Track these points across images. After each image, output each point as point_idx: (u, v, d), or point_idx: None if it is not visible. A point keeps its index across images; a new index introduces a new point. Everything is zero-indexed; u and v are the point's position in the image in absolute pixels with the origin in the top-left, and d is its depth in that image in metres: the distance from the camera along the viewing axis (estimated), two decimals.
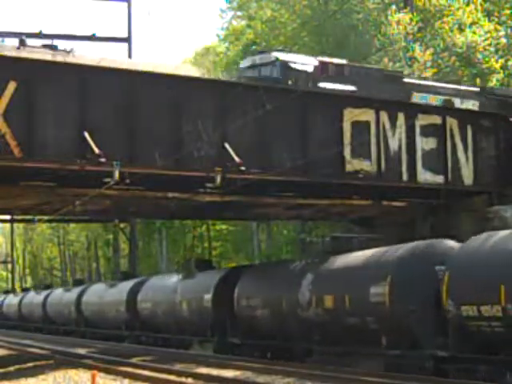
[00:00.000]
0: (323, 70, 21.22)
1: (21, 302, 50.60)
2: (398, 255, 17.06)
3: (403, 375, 15.64)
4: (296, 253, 37.96)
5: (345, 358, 18.20)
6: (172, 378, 17.59)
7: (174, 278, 28.43)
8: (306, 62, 21.19)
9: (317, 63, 21.32)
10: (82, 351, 27.29)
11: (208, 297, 24.30)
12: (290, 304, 20.10)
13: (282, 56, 21.19)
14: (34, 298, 48.05)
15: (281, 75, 20.51)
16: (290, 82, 20.33)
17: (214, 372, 18.40)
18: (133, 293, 30.84)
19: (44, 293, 46.46)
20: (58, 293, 44.08)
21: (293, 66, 20.72)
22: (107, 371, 19.28)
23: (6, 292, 64.79)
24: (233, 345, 23.24)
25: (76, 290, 39.80)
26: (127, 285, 32.36)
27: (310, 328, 19.43)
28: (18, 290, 68.08)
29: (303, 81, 20.58)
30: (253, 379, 16.89)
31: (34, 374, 19.87)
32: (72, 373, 19.69)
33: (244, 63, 22.05)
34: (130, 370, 19.45)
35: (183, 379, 17.26)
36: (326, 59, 22.16)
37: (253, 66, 21.16)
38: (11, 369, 21.93)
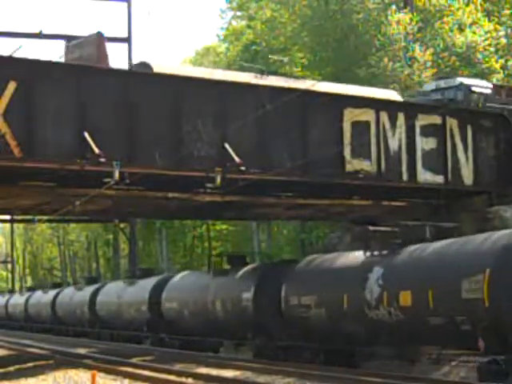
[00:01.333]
0: (497, 93, 24.14)
1: (27, 301, 48.14)
2: (501, 244, 14.68)
3: (403, 375, 15.62)
4: (296, 253, 37.96)
5: (419, 363, 16.71)
6: (172, 377, 17.59)
7: (204, 275, 26.22)
8: (484, 86, 24.20)
9: (491, 87, 24.50)
10: (82, 351, 27.28)
11: (248, 295, 22.07)
12: (354, 302, 17.79)
13: (466, 81, 24.35)
14: (42, 297, 45.52)
15: (464, 97, 23.26)
16: (471, 104, 23.06)
17: (214, 372, 18.41)
18: (156, 291, 28.49)
19: (53, 292, 44.01)
20: (68, 292, 41.58)
21: (474, 89, 23.68)
22: (107, 371, 19.28)
23: (11, 291, 62.70)
24: (278, 348, 21.03)
25: (89, 289, 37.28)
26: (149, 282, 30.02)
27: (379, 329, 17.20)
28: (18, 289, 67.29)
29: (481, 102, 23.40)
30: (253, 379, 16.90)
31: (34, 374, 19.87)
32: (72, 373, 19.69)
33: (428, 86, 24.97)
34: (130, 369, 19.46)
35: (183, 379, 17.26)
36: (499, 84, 25.58)
37: (437, 89, 23.83)
38: (11, 369, 21.92)
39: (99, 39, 18.90)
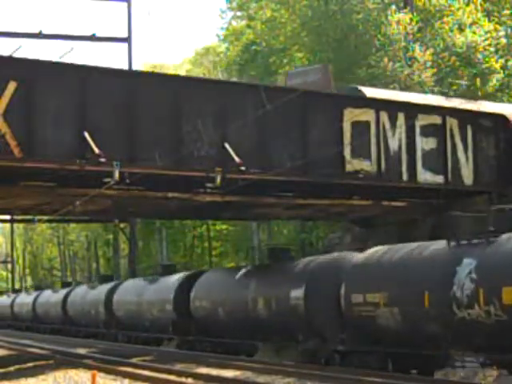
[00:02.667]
0: None
1: (35, 301, 45.71)
2: None
3: (403, 375, 15.61)
4: (296, 253, 37.93)
5: None
6: (172, 377, 17.59)
7: (242, 271, 23.72)
8: None
9: None
10: (82, 351, 27.28)
11: (298, 293, 19.73)
12: (438, 300, 15.42)
13: None
14: (51, 296, 43.20)
15: None
16: None
17: (214, 372, 18.40)
18: (183, 289, 26.26)
19: (63, 291, 41.65)
20: (80, 291, 38.95)
21: None
22: (107, 371, 19.28)
23: (16, 291, 61.01)
24: (335, 352, 18.52)
25: (104, 288, 34.85)
26: (174, 280, 27.69)
27: (472, 331, 14.90)
28: (25, 288, 66.42)
29: None
30: (253, 379, 16.89)
31: (33, 374, 19.88)
32: (72, 373, 19.69)
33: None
34: (130, 369, 19.45)
35: (183, 379, 17.26)
36: None
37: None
38: (11, 369, 21.92)
39: (325, 68, 21.52)
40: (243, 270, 23.61)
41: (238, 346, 22.97)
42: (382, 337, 17.06)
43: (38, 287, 54.70)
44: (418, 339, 16.16)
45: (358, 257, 18.66)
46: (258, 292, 21.64)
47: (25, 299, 49.18)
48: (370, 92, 22.11)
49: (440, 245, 16.20)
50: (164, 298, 27.37)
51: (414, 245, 17.30)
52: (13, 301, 51.58)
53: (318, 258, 20.90)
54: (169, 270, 30.67)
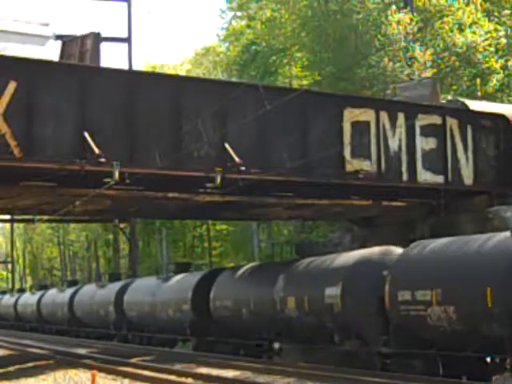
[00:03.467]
0: None
1: (40, 301, 44.31)
2: None
3: (403, 375, 15.61)
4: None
5: None
6: (172, 377, 17.60)
7: (270, 267, 22.48)
8: None
9: None
10: (82, 351, 27.28)
11: (334, 291, 18.22)
12: (504, 298, 13.87)
13: None
14: (57, 296, 41.57)
15: None
16: None
17: (214, 372, 18.41)
18: (202, 288, 24.80)
19: (69, 290, 40.09)
20: (88, 290, 37.32)
21: None
22: (107, 371, 19.29)
23: (21, 290, 59.08)
24: (376, 355, 17.19)
25: (114, 287, 33.35)
26: (191, 278, 26.26)
27: None
28: (29, 288, 65.32)
29: None
30: (253, 379, 16.90)
31: (34, 374, 19.89)
32: (72, 373, 19.71)
33: None
34: (130, 370, 19.48)
35: (183, 379, 17.27)
36: None
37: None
38: (11, 369, 21.95)
39: (433, 82, 22.45)
40: (270, 266, 22.30)
41: (263, 348, 21.56)
42: (434, 339, 15.61)
43: (43, 286, 53.38)
44: (476, 342, 14.71)
45: (404, 250, 17.31)
46: (288, 290, 20.13)
47: (29, 299, 47.98)
48: (473, 104, 22.28)
49: (503, 236, 14.89)
50: (181, 297, 25.92)
51: (469, 237, 16.16)
52: (16, 301, 50.53)
53: (354, 252, 19.24)
54: (184, 267, 29.30)
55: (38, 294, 46.61)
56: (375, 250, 18.55)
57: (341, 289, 17.97)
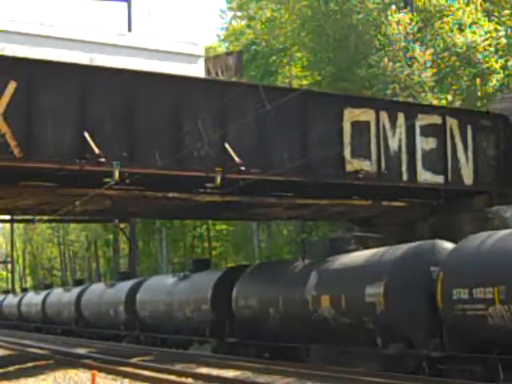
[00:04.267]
0: None
1: (44, 301, 42.96)
2: None
3: (403, 375, 15.61)
4: (296, 253, 37.95)
5: None
6: (172, 378, 17.59)
7: (299, 264, 20.58)
8: None
9: None
10: (82, 351, 27.27)
11: (376, 289, 16.59)
12: None
13: None
14: (63, 296, 40.21)
15: None
16: None
17: (214, 372, 18.40)
18: (222, 287, 23.34)
19: (76, 290, 38.58)
20: (96, 289, 35.86)
21: None
22: (107, 371, 19.28)
23: (25, 290, 57.58)
24: (426, 359, 15.64)
25: (124, 286, 31.81)
26: (210, 277, 24.62)
27: None
28: (34, 288, 64.38)
29: None
30: (253, 379, 16.89)
31: (33, 374, 19.88)
32: (72, 373, 19.70)
33: None
34: (130, 370, 19.46)
35: (183, 379, 17.26)
36: None
37: None
38: (11, 369, 21.93)
39: None
40: (299, 263, 20.56)
41: (293, 351, 20.04)
42: (495, 341, 14.14)
43: (47, 286, 52.05)
44: None
45: (458, 244, 15.86)
46: (321, 288, 18.56)
47: (33, 299, 46.70)
48: None
49: None
50: (200, 296, 24.34)
51: None
52: (20, 300, 49.30)
53: (397, 246, 17.55)
54: (202, 265, 27.20)
55: (43, 293, 45.30)
56: (422, 244, 17.09)
57: (384, 286, 16.38)
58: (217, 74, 20.84)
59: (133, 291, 30.33)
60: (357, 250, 19.28)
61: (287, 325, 20.07)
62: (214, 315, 23.62)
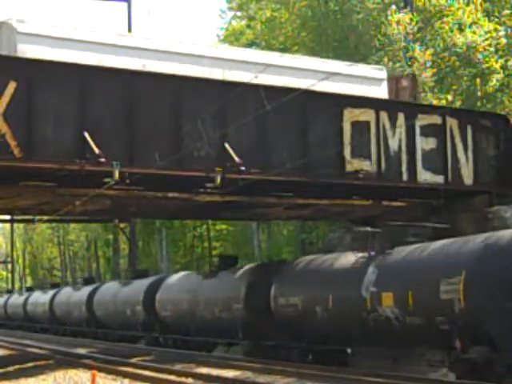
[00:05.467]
0: None
1: (52, 300, 41.51)
2: None
3: (403, 375, 15.63)
4: (296, 253, 37.97)
5: None
6: (172, 377, 17.60)
7: (352, 258, 18.75)
8: None
9: None
10: (81, 351, 27.27)
11: (453, 284, 14.72)
12: None
13: None
14: (72, 295, 38.66)
15: None
16: None
17: (214, 372, 18.41)
18: (258, 284, 21.84)
19: (86, 289, 37.01)
20: (109, 288, 34.29)
21: None
22: (107, 371, 19.29)
23: (30, 289, 55.39)
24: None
25: (141, 284, 30.24)
26: (241, 274, 23.24)
27: None
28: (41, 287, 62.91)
29: None
30: (253, 379, 16.91)
31: (34, 374, 19.90)
32: (72, 373, 19.71)
33: None
34: (130, 370, 19.47)
35: (183, 379, 17.27)
36: None
37: None
38: (11, 369, 21.94)
39: None
40: (352, 257, 18.62)
41: (340, 354, 18.63)
42: None
43: (55, 285, 50.55)
44: None
45: None
46: (382, 284, 16.75)
47: (40, 298, 45.10)
48: None
49: None
50: (230, 295, 22.85)
51: None
52: (26, 300, 47.69)
53: (475, 236, 15.60)
54: (229, 262, 25.85)
55: (51, 292, 43.76)
56: (506, 233, 15.01)
57: (464, 281, 14.33)
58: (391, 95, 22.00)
59: (152, 290, 28.67)
60: (418, 241, 17.62)
61: (338, 325, 18.22)
62: (247, 315, 21.96)
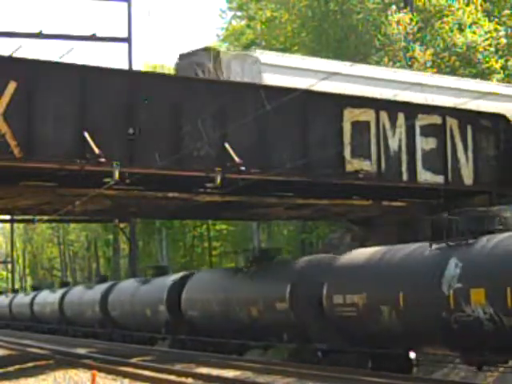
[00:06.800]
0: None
1: (62, 300, 39.18)
2: None
3: (403, 375, 15.62)
4: (296, 253, 37.95)
5: None
6: (172, 378, 17.58)
7: (426, 250, 15.95)
8: None
9: None
10: (82, 351, 27.25)
11: None
12: None
13: None
14: (84, 294, 36.30)
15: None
16: None
17: (214, 372, 18.39)
18: (307, 281, 19.65)
19: (99, 287, 34.75)
20: (125, 287, 31.95)
21: None
22: (107, 371, 19.28)
23: (36, 288, 51.98)
24: None
25: (162, 283, 27.96)
26: (285, 269, 21.30)
27: None
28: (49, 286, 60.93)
29: None
30: (253, 379, 16.89)
31: (33, 374, 19.88)
32: (72, 373, 19.69)
33: None
34: (130, 369, 19.46)
35: (183, 379, 17.25)
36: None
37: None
38: (11, 369, 21.93)
39: None
40: (426, 249, 15.98)
41: (409, 361, 16.60)
42: None
43: (65, 283, 47.99)
44: None
45: None
46: (469, 280, 14.46)
47: (48, 298, 42.62)
48: None
49: None
50: (272, 293, 20.63)
51: None
52: (32, 299, 45.40)
53: None
54: (270, 255, 23.44)
55: (60, 291, 41.33)
56: None
57: None
58: None
59: (176, 288, 26.43)
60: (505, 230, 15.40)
61: (409, 327, 15.84)
62: (293, 316, 19.79)
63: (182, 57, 20.16)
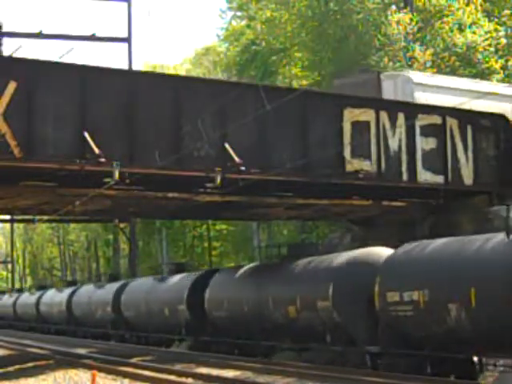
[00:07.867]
0: None
1: (70, 299, 37.53)
2: None
3: (403, 375, 15.61)
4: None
5: None
6: (172, 378, 17.58)
7: (500, 241, 14.06)
8: None
9: None
10: (81, 351, 27.25)
11: None
12: None
13: None
14: (94, 293, 34.59)
15: None
16: None
17: (214, 372, 18.38)
18: (349, 277, 17.76)
19: (110, 286, 32.95)
20: (139, 285, 30.13)
21: None
22: (107, 371, 19.28)
23: (41, 288, 49.74)
24: None
25: (183, 281, 26.05)
26: (326, 266, 18.97)
27: None
28: (55, 285, 57.74)
29: None
30: (253, 379, 16.88)
31: (33, 374, 19.88)
32: (72, 373, 19.69)
33: None
34: (130, 370, 19.45)
35: (183, 379, 17.25)
36: None
37: None
38: (11, 369, 21.92)
39: None
40: (500, 240, 14.01)
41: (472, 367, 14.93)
42: None
43: (72, 282, 46.30)
44: None
45: None
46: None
47: (55, 297, 40.98)
48: None
49: None
50: (312, 291, 18.78)
51: None
52: (38, 299, 43.81)
53: None
54: (302, 249, 21.72)
55: (67, 291, 39.70)
56: None
57: None
58: None
59: (198, 286, 24.61)
60: None
61: (483, 329, 14.01)
62: (337, 316, 17.98)
63: (339, 76, 23.46)
